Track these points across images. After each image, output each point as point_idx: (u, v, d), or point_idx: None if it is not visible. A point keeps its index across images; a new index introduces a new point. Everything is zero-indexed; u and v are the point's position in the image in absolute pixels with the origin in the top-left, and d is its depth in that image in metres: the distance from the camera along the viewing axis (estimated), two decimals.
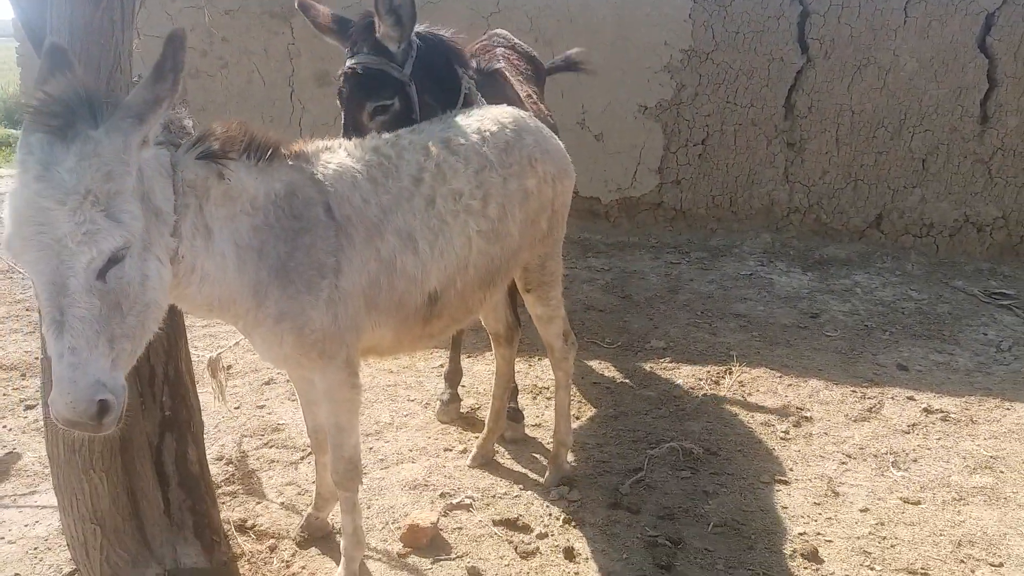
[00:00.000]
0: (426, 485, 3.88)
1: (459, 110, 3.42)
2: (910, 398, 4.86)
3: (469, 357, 5.21)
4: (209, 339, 5.49)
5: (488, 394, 4.79)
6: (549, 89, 5.56)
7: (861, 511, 3.74)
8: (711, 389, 4.99)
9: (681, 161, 7.84)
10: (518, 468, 4.08)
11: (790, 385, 5.02)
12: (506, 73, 4.41)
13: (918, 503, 3.82)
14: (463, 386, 4.69)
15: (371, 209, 2.70)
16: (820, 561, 3.38)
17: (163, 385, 3.06)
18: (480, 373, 5.11)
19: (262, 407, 4.63)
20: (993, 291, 6.66)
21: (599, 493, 3.83)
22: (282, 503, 3.74)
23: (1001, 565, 3.38)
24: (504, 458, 4.18)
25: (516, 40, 5.22)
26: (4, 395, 4.75)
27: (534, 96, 4.63)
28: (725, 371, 5.20)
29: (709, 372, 5.20)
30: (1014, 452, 4.26)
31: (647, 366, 5.31)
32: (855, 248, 7.52)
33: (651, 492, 3.85)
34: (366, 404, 4.70)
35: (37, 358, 4.65)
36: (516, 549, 3.42)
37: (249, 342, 2.73)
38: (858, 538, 3.55)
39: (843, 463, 4.16)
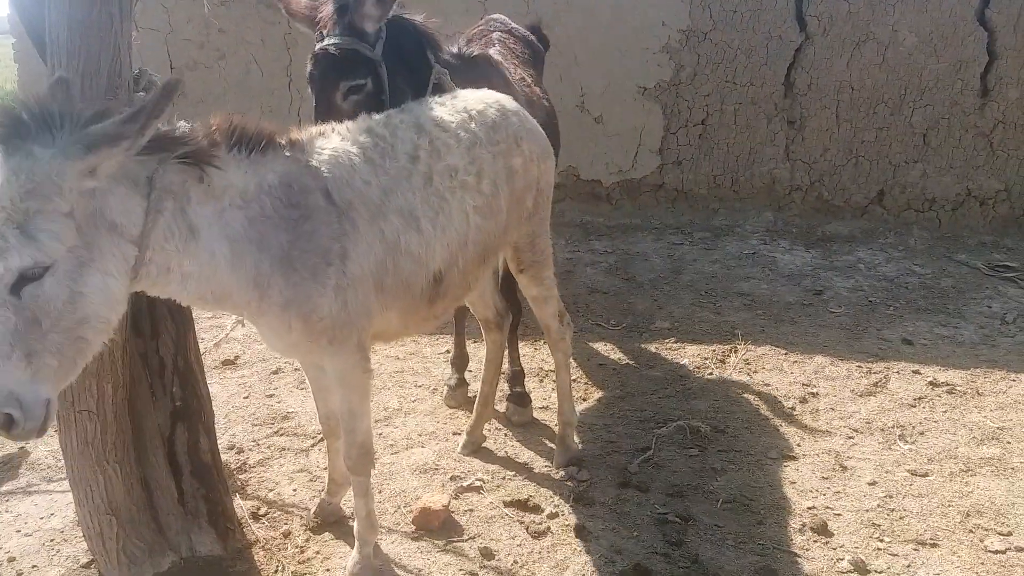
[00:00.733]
0: (436, 469, 3.91)
1: (430, 96, 3.41)
2: (916, 372, 4.87)
3: (475, 342, 5.22)
4: (216, 330, 5.51)
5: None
6: (546, 72, 5.55)
7: (869, 484, 3.77)
8: (717, 368, 5.01)
9: (682, 142, 7.83)
10: (527, 450, 4.11)
11: (796, 362, 5.04)
12: (494, 58, 4.41)
13: (926, 475, 3.84)
14: (469, 371, 4.71)
15: (372, 191, 2.69)
16: (830, 534, 3.41)
17: (173, 376, 3.09)
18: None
19: (271, 396, 4.66)
20: (997, 264, 6.66)
21: (608, 473, 3.85)
22: (294, 490, 3.77)
23: (1010, 534, 3.40)
24: (512, 440, 4.20)
25: (513, 24, 5.21)
26: None
27: (528, 80, 4.62)
28: (730, 350, 5.22)
29: (714, 351, 5.21)
30: (1020, 423, 4.27)
31: (652, 347, 5.33)
32: (858, 224, 7.51)
33: (660, 471, 3.87)
34: (374, 391, 4.71)
35: None
36: (527, 529, 3.45)
37: (257, 331, 2.73)
38: (867, 511, 3.57)
39: (850, 438, 4.18)
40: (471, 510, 3.59)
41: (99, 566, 3.05)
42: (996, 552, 3.30)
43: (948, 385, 4.69)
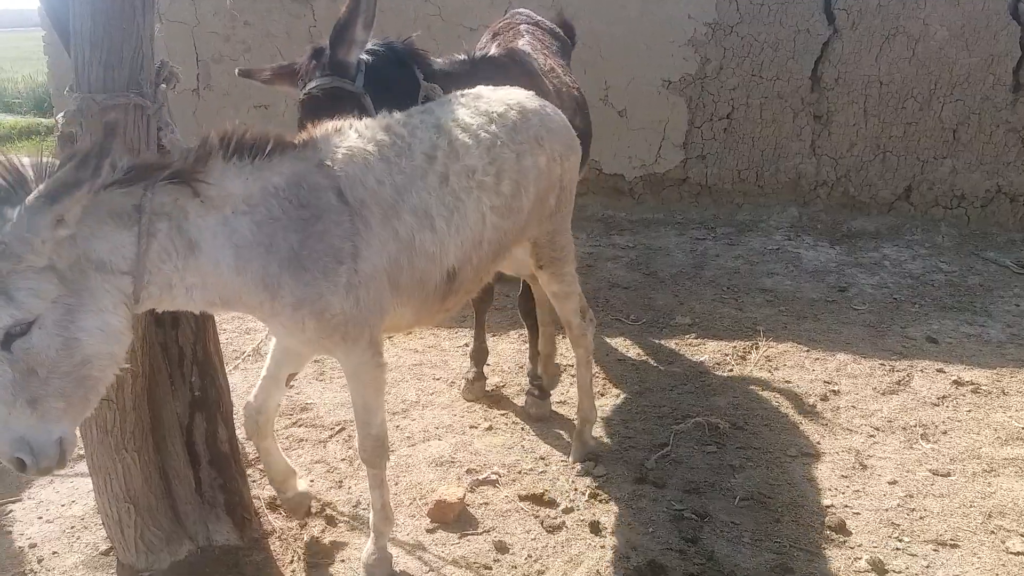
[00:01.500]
0: (452, 462, 3.92)
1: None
2: (940, 370, 4.80)
3: (494, 336, 5.23)
4: (237, 320, 5.56)
5: (514, 372, 4.83)
6: (571, 65, 5.54)
7: (889, 483, 3.72)
8: (737, 364, 4.97)
9: (706, 136, 7.76)
10: (544, 444, 4.11)
11: (817, 359, 4.99)
12: (521, 50, 4.44)
13: (948, 475, 3.79)
14: (488, 365, 4.71)
15: (386, 190, 2.69)
16: (848, 533, 3.37)
17: (192, 366, 3.12)
18: (505, 352, 5.13)
19: (290, 387, 4.69)
20: None
21: (625, 468, 3.84)
22: (311, 481, 3.79)
23: None
24: (530, 434, 4.20)
25: (539, 17, 5.31)
26: None
27: (558, 70, 4.63)
28: (752, 346, 5.17)
29: (735, 347, 5.17)
30: None
31: (672, 342, 5.30)
32: (884, 221, 7.41)
33: (677, 467, 3.85)
34: (392, 383, 4.74)
35: None
36: (542, 524, 3.44)
37: (271, 330, 2.75)
38: (886, 510, 3.53)
39: (871, 436, 4.13)
40: (486, 503, 3.60)
41: (117, 553, 3.09)
42: (1018, 554, 3.25)
43: (973, 384, 4.61)
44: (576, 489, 3.69)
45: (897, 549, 3.28)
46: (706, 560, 3.21)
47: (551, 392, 4.47)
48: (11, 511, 3.61)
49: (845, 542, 3.32)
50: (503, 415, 4.41)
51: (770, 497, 3.61)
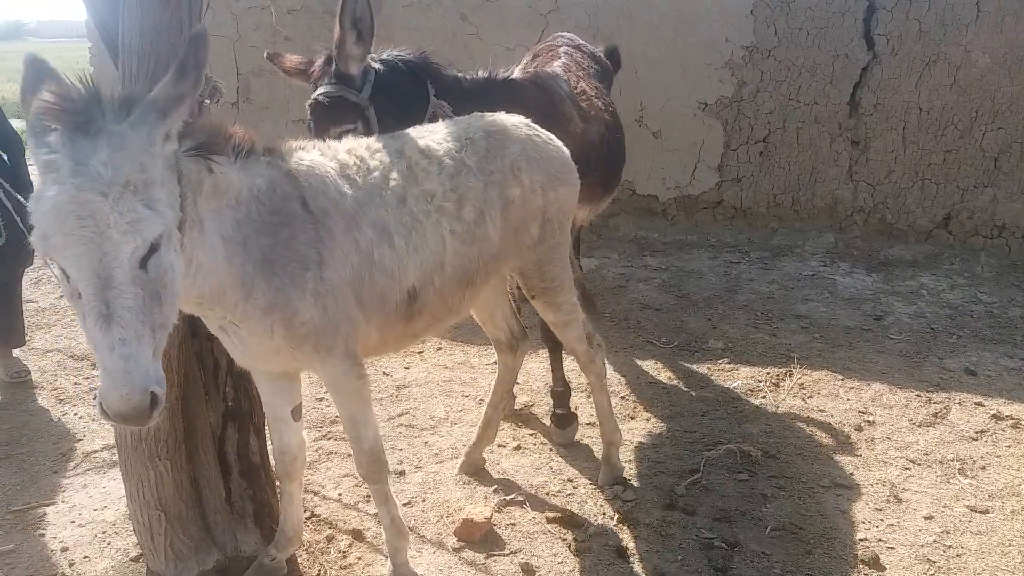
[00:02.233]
0: (480, 480, 3.90)
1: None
2: (978, 404, 4.70)
3: (527, 355, 5.20)
4: None
5: (542, 392, 4.80)
6: None
7: (925, 518, 3.64)
8: (770, 391, 4.91)
9: (742, 159, 7.73)
10: (571, 467, 4.08)
11: (852, 388, 4.91)
12: (547, 73, 4.46)
13: (986, 512, 3.70)
14: (517, 383, 4.69)
15: (347, 201, 2.71)
16: (882, 568, 3.31)
17: (226, 377, 3.15)
18: (534, 370, 5.12)
19: (321, 399, 4.71)
20: None
21: (654, 493, 3.80)
22: (339, 494, 3.80)
23: None
24: (557, 456, 4.18)
25: (581, 40, 5.36)
26: (75, 384, 4.92)
27: (589, 92, 4.62)
28: (785, 373, 5.11)
29: (769, 374, 5.11)
30: None
31: (704, 367, 5.25)
32: (922, 249, 7.31)
33: (707, 494, 3.80)
34: (422, 399, 4.74)
35: None
36: (569, 547, 3.41)
37: (237, 341, 2.67)
38: (922, 546, 3.45)
39: (907, 469, 4.05)
40: (513, 524, 3.57)
41: (147, 560, 3.11)
42: None
43: (1013, 419, 4.51)
44: (604, 513, 3.65)
45: None
46: None
47: (577, 415, 4.40)
48: (45, 514, 3.66)
49: None
50: (531, 435, 4.39)
51: (802, 528, 3.55)
